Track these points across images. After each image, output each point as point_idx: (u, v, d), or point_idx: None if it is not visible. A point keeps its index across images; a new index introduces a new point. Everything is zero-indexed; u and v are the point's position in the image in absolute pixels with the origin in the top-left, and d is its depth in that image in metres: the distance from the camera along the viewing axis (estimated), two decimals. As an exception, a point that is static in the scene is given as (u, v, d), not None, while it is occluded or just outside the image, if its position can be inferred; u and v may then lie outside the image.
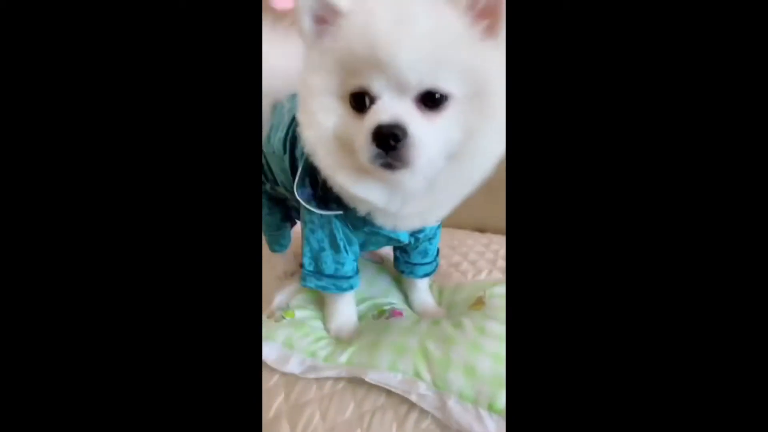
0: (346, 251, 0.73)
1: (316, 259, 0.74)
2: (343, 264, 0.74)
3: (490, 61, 0.49)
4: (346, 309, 0.82)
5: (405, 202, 0.56)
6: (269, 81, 0.73)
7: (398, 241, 0.74)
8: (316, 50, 0.53)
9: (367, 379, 0.65)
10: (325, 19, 0.52)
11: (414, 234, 0.74)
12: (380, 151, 0.48)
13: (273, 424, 0.67)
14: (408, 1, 0.49)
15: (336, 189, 0.61)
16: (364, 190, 0.55)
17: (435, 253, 0.86)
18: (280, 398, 0.70)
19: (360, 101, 0.51)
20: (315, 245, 0.73)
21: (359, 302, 0.88)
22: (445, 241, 1.09)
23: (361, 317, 0.85)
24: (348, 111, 0.52)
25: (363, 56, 0.49)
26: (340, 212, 0.68)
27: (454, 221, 1.22)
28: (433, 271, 0.87)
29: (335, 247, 0.72)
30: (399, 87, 0.49)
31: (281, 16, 0.90)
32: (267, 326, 0.81)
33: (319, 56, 0.53)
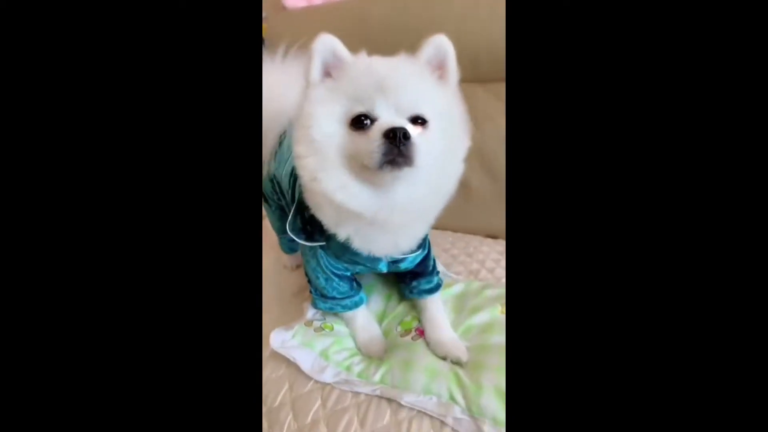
0: (337, 278, 0.84)
1: (316, 286, 0.87)
2: (337, 288, 0.85)
3: (446, 98, 0.69)
4: (366, 325, 0.89)
5: (390, 212, 0.67)
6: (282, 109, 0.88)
7: (378, 269, 0.84)
8: (322, 87, 0.67)
9: (402, 402, 0.70)
10: (334, 65, 0.67)
11: (394, 262, 0.82)
12: (392, 146, 0.59)
13: (312, 429, 0.70)
14: (390, 58, 0.68)
15: (319, 217, 0.73)
16: (359, 203, 0.66)
17: (429, 271, 0.89)
18: (318, 404, 0.73)
19: (359, 123, 0.64)
20: (311, 274, 0.86)
21: (379, 319, 0.93)
22: (461, 248, 1.14)
23: (386, 334, 0.90)
24: (348, 132, 0.65)
25: (371, 86, 0.63)
26: (323, 243, 0.80)
27: (466, 227, 1.25)
28: (436, 287, 0.90)
29: (325, 275, 0.84)
30: (397, 109, 0.64)
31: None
32: (306, 334, 0.86)
33: (326, 91, 0.66)
